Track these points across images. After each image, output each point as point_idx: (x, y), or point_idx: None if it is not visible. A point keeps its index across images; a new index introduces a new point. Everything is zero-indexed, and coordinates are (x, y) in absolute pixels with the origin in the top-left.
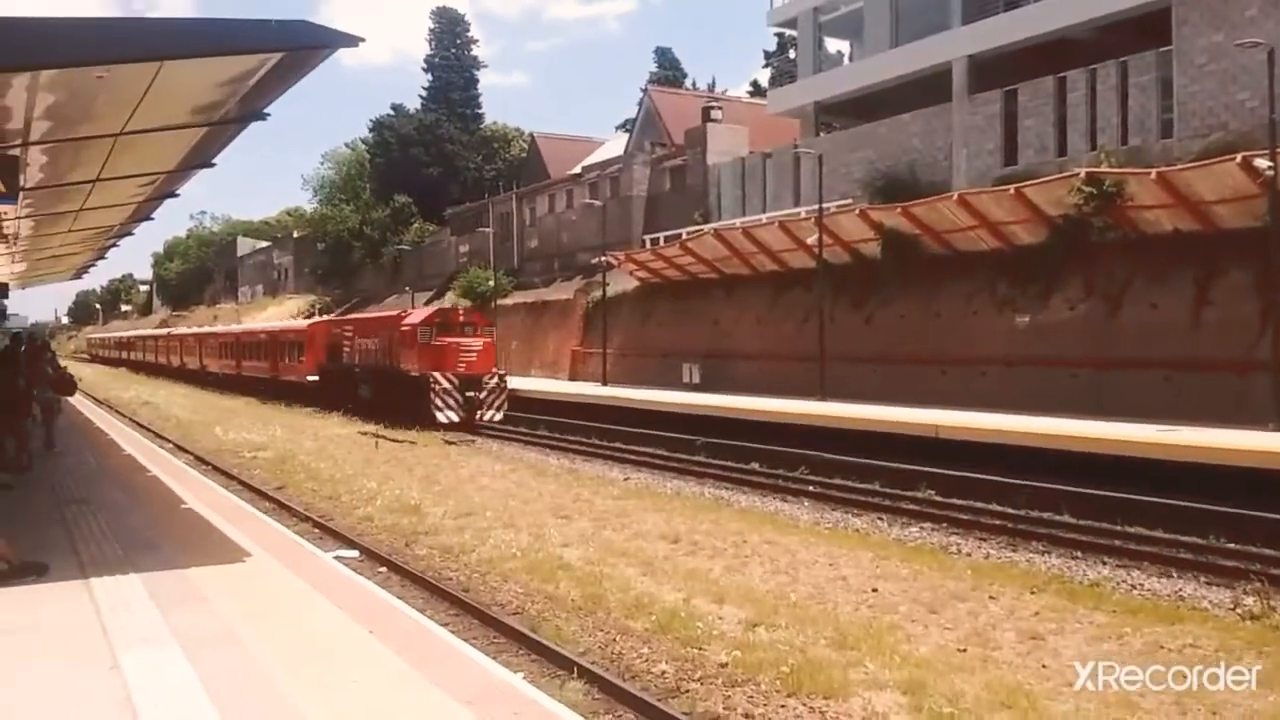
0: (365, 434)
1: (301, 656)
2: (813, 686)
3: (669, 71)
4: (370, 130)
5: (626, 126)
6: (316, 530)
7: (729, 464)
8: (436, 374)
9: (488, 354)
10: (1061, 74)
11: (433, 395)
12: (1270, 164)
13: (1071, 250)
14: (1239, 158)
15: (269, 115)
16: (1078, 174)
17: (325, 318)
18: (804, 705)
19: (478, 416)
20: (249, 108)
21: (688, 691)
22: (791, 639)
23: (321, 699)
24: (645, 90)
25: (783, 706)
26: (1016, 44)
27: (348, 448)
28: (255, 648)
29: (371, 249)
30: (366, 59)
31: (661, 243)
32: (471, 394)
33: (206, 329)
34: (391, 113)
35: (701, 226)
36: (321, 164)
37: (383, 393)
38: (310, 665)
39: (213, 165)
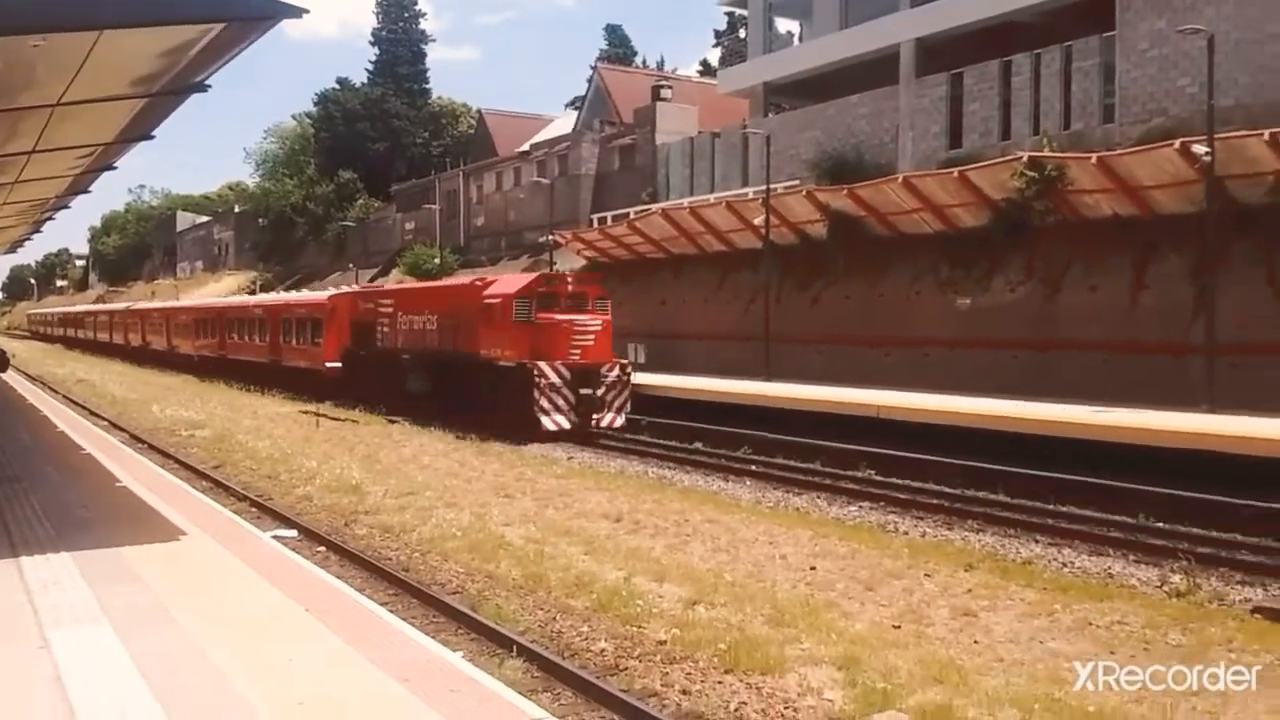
0: (306, 412)
1: (237, 635)
2: (750, 663)
3: (619, 49)
4: (315, 104)
5: (576, 104)
6: (254, 509)
7: (673, 443)
8: (542, 364)
9: (606, 336)
10: (1007, 58)
11: (536, 394)
12: (1208, 150)
13: (1013, 233)
14: (1178, 143)
15: (210, 87)
16: (1020, 158)
17: (352, 288)
18: (741, 681)
19: (594, 421)
20: (190, 79)
21: (626, 669)
22: (730, 616)
23: (257, 677)
24: (595, 68)
25: (719, 683)
26: (964, 27)
27: (287, 426)
28: (190, 626)
29: (315, 225)
30: (313, 31)
31: (609, 222)
32: (587, 391)
33: (177, 303)
34: (337, 86)
35: (649, 206)
36: (265, 138)
37: (448, 388)
38: (246, 643)
39: (152, 138)
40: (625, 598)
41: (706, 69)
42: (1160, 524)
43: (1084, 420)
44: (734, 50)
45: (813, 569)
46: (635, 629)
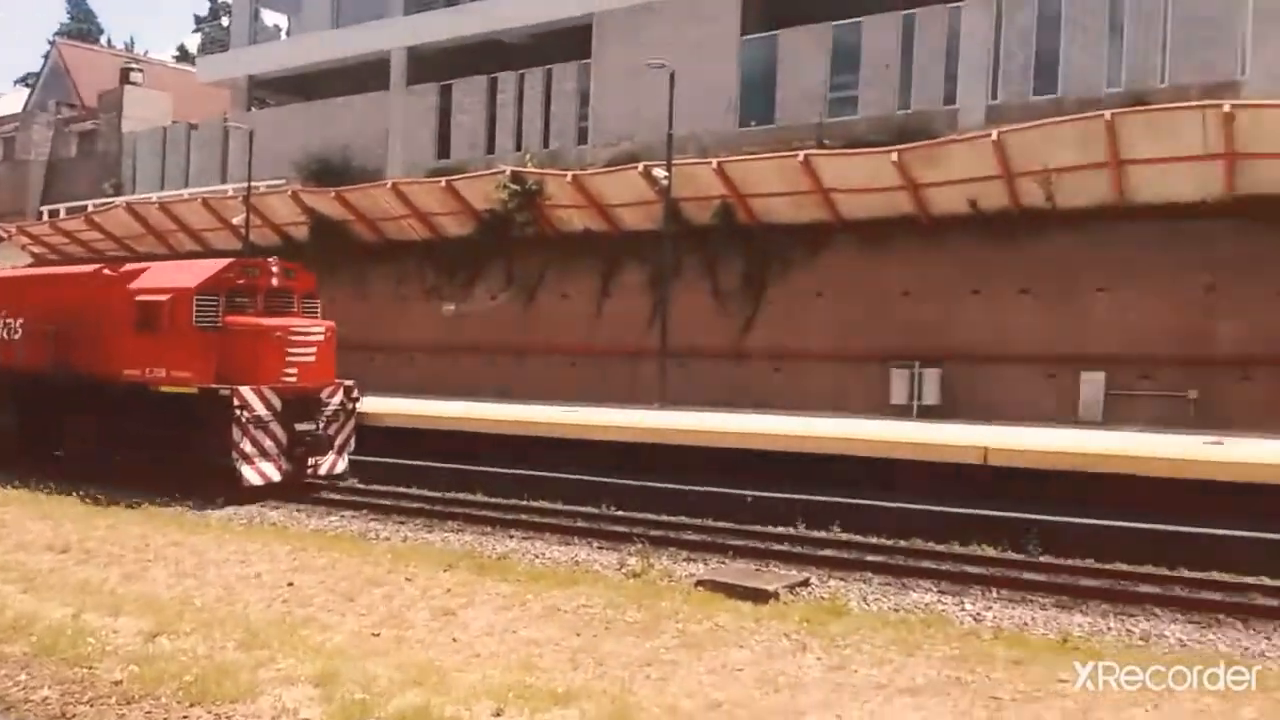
0: None
1: None
2: (219, 692)
3: (83, 25)
4: None
5: (28, 81)
6: None
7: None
8: (244, 391)
9: (329, 349)
10: (494, 75)
11: (236, 433)
12: (666, 174)
13: (496, 243)
14: (640, 167)
15: None
16: (504, 171)
17: None
18: (208, 713)
19: (311, 467)
20: None
21: (75, 716)
22: (197, 645)
23: None
24: (53, 43)
25: (185, 717)
26: (455, 40)
27: None
28: None
29: None
30: None
31: (63, 214)
32: (306, 426)
33: None
34: None
35: (112, 199)
36: None
37: (57, 425)
38: None
39: None
40: (73, 637)
41: (184, 55)
42: (620, 512)
43: (554, 420)
44: (215, 38)
45: (290, 585)
46: (86, 670)
